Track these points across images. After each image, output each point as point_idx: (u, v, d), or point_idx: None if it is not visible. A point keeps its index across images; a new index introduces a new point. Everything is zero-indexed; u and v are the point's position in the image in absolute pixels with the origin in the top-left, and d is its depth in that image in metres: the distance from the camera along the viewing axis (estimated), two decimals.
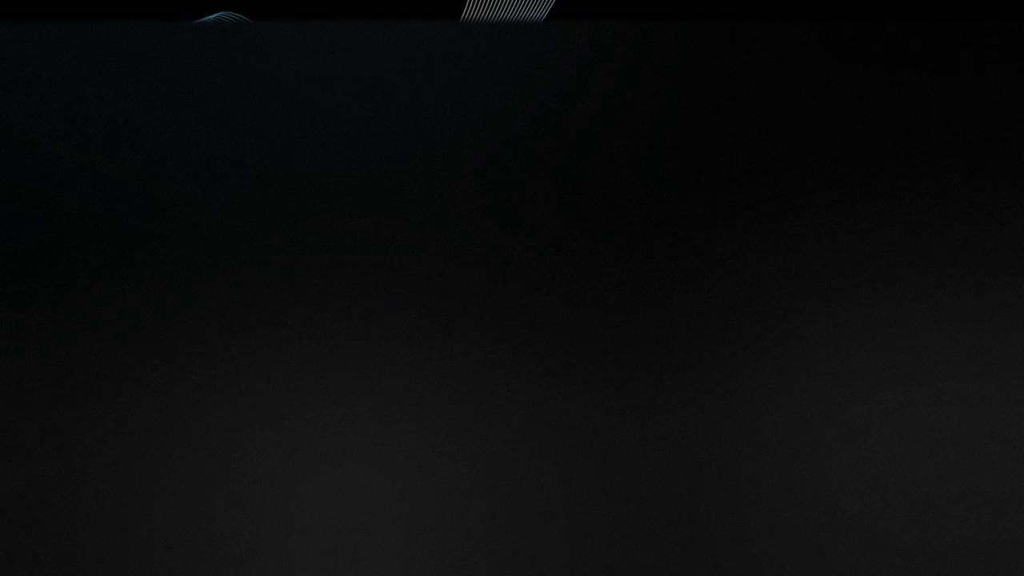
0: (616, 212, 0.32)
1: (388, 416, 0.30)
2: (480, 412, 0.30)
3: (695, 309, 0.31)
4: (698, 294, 0.31)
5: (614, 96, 0.33)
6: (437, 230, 0.32)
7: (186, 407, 0.30)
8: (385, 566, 0.29)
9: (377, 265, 0.31)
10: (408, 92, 0.33)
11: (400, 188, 0.32)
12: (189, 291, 0.31)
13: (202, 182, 0.32)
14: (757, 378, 0.30)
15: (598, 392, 0.30)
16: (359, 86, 0.33)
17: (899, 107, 0.33)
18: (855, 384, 0.30)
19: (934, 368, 0.30)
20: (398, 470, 0.30)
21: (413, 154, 0.33)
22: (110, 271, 0.31)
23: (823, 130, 0.33)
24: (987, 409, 0.30)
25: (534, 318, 0.31)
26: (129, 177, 0.32)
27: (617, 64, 0.33)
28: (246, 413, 0.30)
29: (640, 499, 0.29)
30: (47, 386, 0.30)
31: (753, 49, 0.34)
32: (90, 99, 0.33)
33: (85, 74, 0.33)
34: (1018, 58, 0.33)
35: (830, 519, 0.29)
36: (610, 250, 0.32)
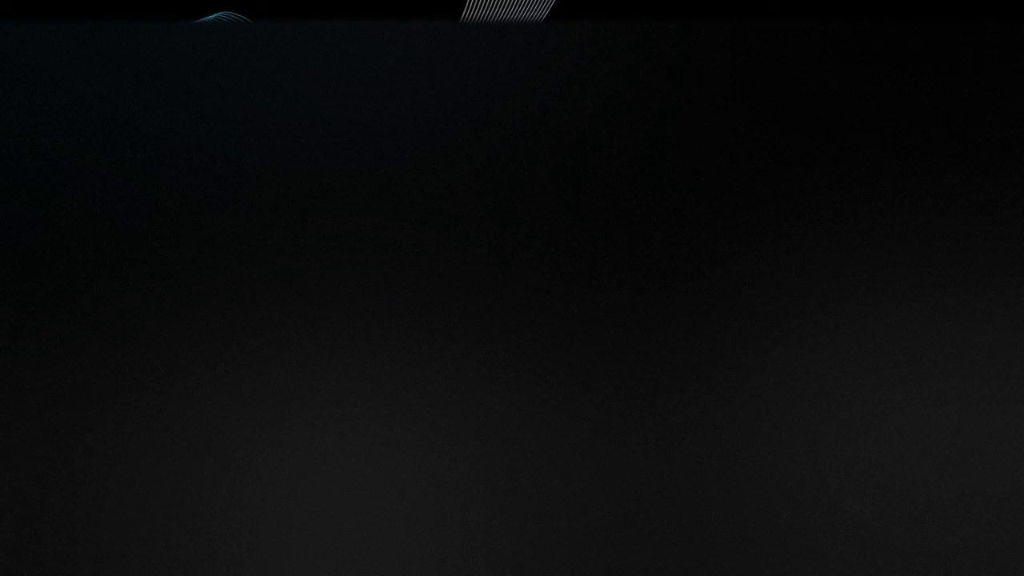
0: (616, 212, 0.32)
1: (388, 416, 0.30)
2: (480, 412, 0.30)
3: (695, 309, 0.31)
4: (698, 294, 0.31)
5: (614, 96, 0.33)
6: (437, 230, 0.32)
7: (186, 407, 0.30)
8: (385, 566, 0.29)
9: (377, 265, 0.31)
10: (408, 92, 0.33)
11: (400, 188, 0.32)
12: (189, 291, 0.31)
13: (202, 182, 0.32)
14: (757, 378, 0.30)
15: (598, 392, 0.30)
16: (359, 86, 0.33)
17: (899, 107, 0.33)
18: (855, 384, 0.30)
19: (934, 368, 0.30)
20: (398, 470, 0.30)
21: (413, 154, 0.33)
22: (110, 271, 0.31)
23: (823, 130, 0.33)
24: (987, 409, 0.30)
25: (534, 318, 0.31)
26: (129, 177, 0.32)
27: (617, 64, 0.33)
28: (246, 413, 0.30)
29: (640, 499, 0.29)
30: (47, 386, 0.30)
31: (753, 49, 0.34)
32: (90, 99, 0.33)
33: (85, 74, 0.33)
34: (1018, 58, 0.33)
35: (830, 519, 0.29)
36: (610, 250, 0.32)
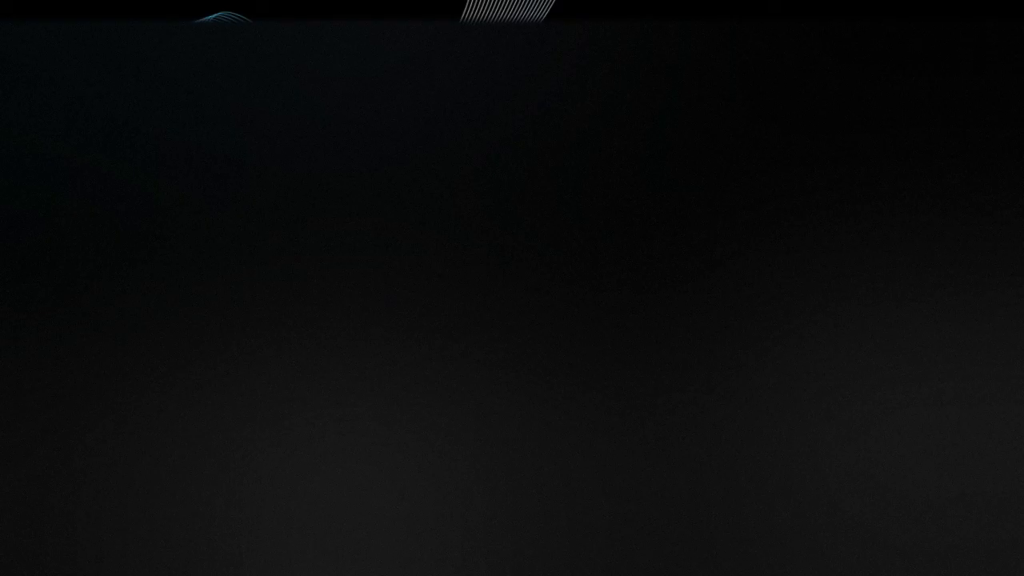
0: (616, 212, 0.32)
1: (388, 416, 0.30)
2: (480, 412, 0.30)
3: (695, 309, 0.31)
4: (698, 294, 0.31)
5: (614, 96, 0.33)
6: (437, 230, 0.32)
7: (186, 407, 0.30)
8: (385, 566, 0.29)
9: (377, 265, 0.31)
10: (408, 92, 0.33)
11: (400, 188, 0.32)
12: (189, 291, 0.31)
13: (202, 182, 0.32)
14: (757, 378, 0.30)
15: (598, 392, 0.30)
16: (359, 86, 0.33)
17: (899, 107, 0.33)
18: (855, 384, 0.30)
19: (934, 368, 0.30)
20: (398, 470, 0.30)
21: (413, 154, 0.33)
22: (110, 271, 0.31)
23: (823, 130, 0.33)
24: (987, 409, 0.30)
25: (534, 318, 0.31)
26: (129, 177, 0.32)
27: (617, 64, 0.33)
28: (246, 413, 0.30)
29: (640, 499, 0.29)
30: (47, 386, 0.30)
31: (753, 49, 0.34)
32: (90, 99, 0.33)
33: (85, 74, 0.33)
34: (1018, 58, 0.33)
35: (830, 519, 0.29)
36: (610, 250, 0.32)
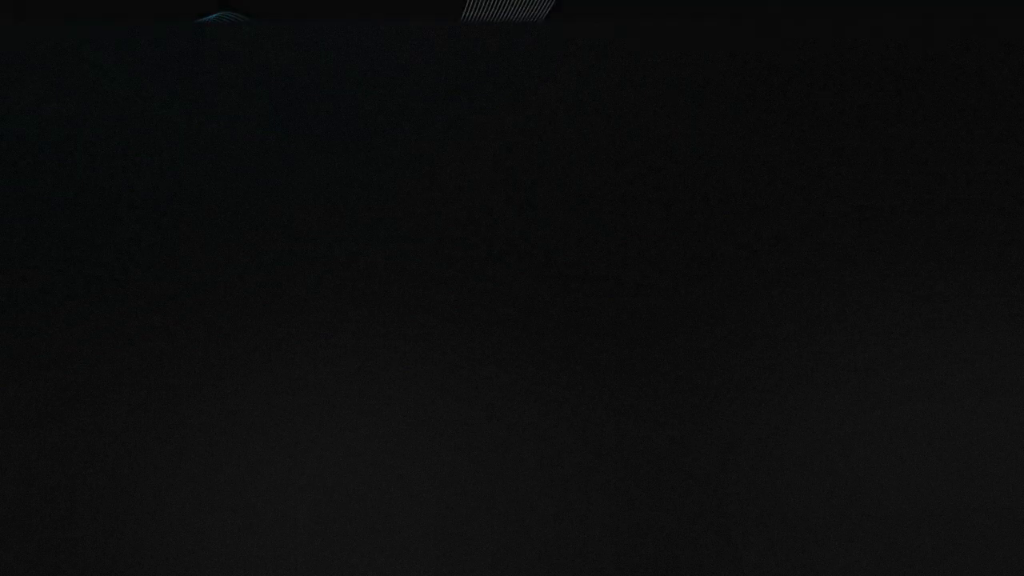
0: (616, 212, 0.32)
1: (388, 416, 0.30)
2: (481, 411, 0.30)
3: (696, 309, 0.31)
4: (698, 294, 0.31)
5: (614, 96, 0.33)
6: (436, 229, 0.32)
7: (185, 407, 0.30)
8: (386, 566, 0.29)
9: (377, 265, 0.31)
10: (408, 92, 0.33)
11: (400, 187, 0.32)
12: (189, 291, 0.31)
13: (202, 182, 0.32)
14: (758, 378, 0.30)
15: (598, 392, 0.30)
16: (359, 86, 0.33)
17: (899, 107, 0.33)
18: (856, 384, 0.30)
19: (935, 368, 0.30)
20: (398, 470, 0.30)
21: (413, 154, 0.33)
22: (110, 271, 0.31)
23: (823, 130, 0.33)
24: (988, 409, 0.30)
25: (535, 318, 0.31)
26: (129, 177, 0.32)
27: (617, 64, 0.33)
28: (246, 413, 0.30)
29: (642, 499, 0.29)
30: (47, 386, 0.30)
31: (753, 49, 0.34)
32: (90, 99, 0.33)
33: (85, 74, 0.33)
34: (1018, 58, 0.33)
35: (830, 519, 0.29)
36: (610, 250, 0.32)
